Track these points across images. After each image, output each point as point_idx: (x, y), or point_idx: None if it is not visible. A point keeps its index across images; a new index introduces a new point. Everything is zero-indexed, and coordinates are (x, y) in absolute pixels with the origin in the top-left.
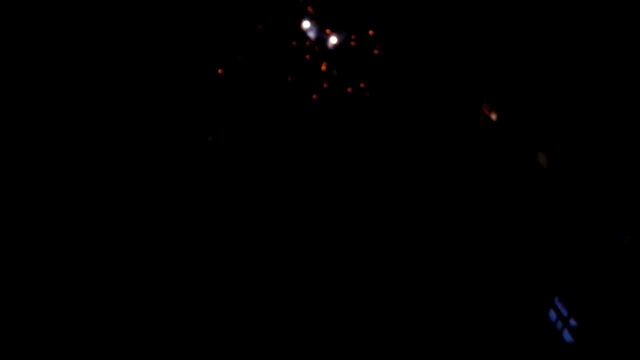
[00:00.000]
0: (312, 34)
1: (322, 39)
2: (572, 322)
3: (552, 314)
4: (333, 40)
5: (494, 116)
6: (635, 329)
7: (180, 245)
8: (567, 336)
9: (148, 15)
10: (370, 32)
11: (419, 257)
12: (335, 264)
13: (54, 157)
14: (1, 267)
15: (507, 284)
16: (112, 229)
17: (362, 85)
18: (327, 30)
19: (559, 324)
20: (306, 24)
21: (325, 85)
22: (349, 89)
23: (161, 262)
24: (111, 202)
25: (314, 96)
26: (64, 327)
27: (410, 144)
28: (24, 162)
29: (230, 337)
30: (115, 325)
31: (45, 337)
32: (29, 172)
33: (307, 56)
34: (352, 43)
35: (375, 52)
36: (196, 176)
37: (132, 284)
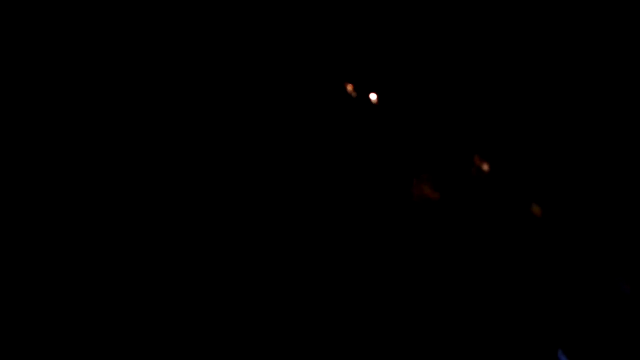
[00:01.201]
0: None
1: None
2: None
3: None
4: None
5: (485, 167)
6: None
7: (179, 245)
8: None
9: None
10: (351, 87)
11: (414, 307)
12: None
13: (54, 156)
14: (1, 267)
15: (507, 338)
16: (112, 229)
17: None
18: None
19: None
20: None
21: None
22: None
23: (161, 262)
24: (110, 202)
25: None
26: (63, 326)
27: (403, 193)
28: (23, 161)
29: (230, 337)
30: (115, 325)
31: (46, 337)
32: (28, 172)
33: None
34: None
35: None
36: (197, 176)
37: (132, 283)
